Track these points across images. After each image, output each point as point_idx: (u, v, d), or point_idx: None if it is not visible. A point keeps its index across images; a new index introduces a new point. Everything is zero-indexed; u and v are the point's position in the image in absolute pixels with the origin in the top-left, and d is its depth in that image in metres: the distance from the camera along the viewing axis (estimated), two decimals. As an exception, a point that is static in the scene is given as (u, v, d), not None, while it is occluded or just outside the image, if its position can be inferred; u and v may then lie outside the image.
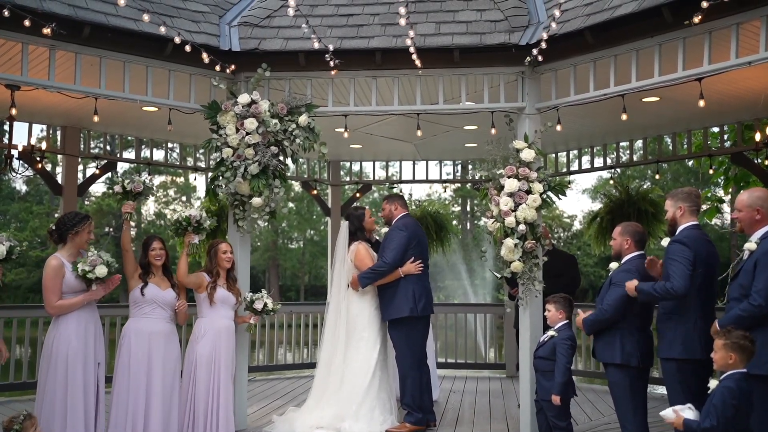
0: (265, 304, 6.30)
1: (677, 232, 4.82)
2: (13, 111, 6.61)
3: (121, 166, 34.67)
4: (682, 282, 4.55)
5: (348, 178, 12.39)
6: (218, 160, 6.34)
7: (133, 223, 5.97)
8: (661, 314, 4.77)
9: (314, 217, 35.58)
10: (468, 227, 37.34)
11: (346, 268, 6.76)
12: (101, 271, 5.25)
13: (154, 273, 5.78)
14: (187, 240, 6.05)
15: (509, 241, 6.12)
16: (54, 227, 5.51)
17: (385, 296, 6.56)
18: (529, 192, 6.15)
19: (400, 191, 11.32)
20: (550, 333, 5.54)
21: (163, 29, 5.62)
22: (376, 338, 6.58)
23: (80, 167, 16.42)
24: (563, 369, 5.35)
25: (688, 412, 3.80)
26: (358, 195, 12.05)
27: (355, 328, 6.61)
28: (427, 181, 11.31)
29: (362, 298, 6.65)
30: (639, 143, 9.57)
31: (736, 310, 4.15)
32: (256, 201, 6.26)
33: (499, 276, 8.01)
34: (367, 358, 6.50)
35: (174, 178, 35.91)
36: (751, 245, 4.31)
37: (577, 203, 53.40)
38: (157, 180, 35.96)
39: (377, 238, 7.28)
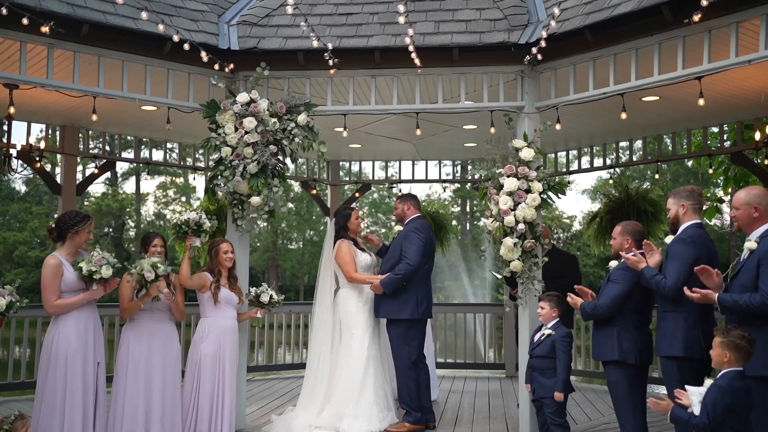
0: (271, 296, 6.38)
1: (680, 231, 4.80)
2: (12, 110, 6.59)
3: (121, 166, 34.88)
4: (674, 283, 4.56)
5: (347, 178, 12.36)
6: (217, 159, 6.34)
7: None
8: (661, 313, 4.76)
9: (314, 217, 35.58)
10: (467, 228, 37.33)
11: (332, 267, 6.78)
12: (107, 272, 5.25)
13: None
14: (189, 243, 6.03)
15: (508, 241, 6.11)
16: (54, 225, 5.50)
17: (387, 295, 6.55)
18: (528, 191, 6.14)
19: (400, 191, 11.33)
20: (546, 331, 5.54)
21: (161, 28, 5.62)
22: (365, 334, 6.58)
23: (79, 167, 16.40)
24: (565, 366, 5.37)
25: (694, 398, 3.78)
26: (357, 195, 12.04)
27: (346, 326, 6.63)
28: (426, 180, 11.31)
29: (351, 295, 6.67)
30: (639, 143, 9.57)
31: (746, 298, 4.09)
32: (255, 200, 6.25)
33: (499, 276, 8.01)
34: (359, 355, 6.50)
35: (173, 178, 35.91)
36: (750, 244, 4.28)
37: (577, 204, 53.47)
38: (157, 180, 36.06)
39: (385, 243, 7.27)
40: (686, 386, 3.88)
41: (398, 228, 7.07)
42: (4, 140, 8.22)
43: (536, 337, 5.67)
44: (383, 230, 34.73)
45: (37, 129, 24.02)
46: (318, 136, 6.47)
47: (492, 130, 6.75)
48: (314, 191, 11.59)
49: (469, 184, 18.38)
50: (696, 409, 3.74)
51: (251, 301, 6.43)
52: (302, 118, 6.34)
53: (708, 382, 3.86)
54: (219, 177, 6.29)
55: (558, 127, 6.54)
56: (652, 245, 4.88)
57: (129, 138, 9.63)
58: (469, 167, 12.50)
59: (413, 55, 5.96)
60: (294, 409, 6.74)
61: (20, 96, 6.75)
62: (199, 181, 30.02)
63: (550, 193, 6.26)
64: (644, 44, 5.78)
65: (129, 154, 10.06)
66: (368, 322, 6.64)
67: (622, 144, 10.22)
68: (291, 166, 8.69)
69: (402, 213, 6.84)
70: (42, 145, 8.21)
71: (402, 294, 6.48)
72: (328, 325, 6.75)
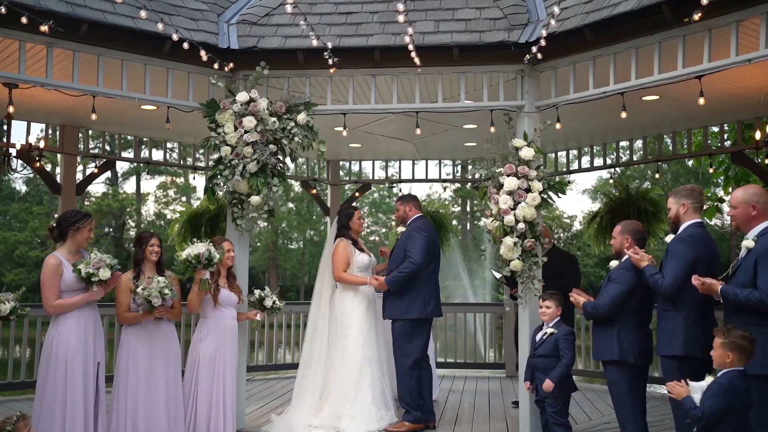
0: (274, 301, 6.39)
1: (680, 230, 4.79)
2: (11, 109, 6.58)
3: (121, 166, 34.90)
4: (671, 282, 4.56)
5: (347, 178, 12.34)
6: (217, 158, 6.33)
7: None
8: (661, 312, 4.76)
9: (314, 217, 35.58)
10: (468, 227, 37.33)
11: (330, 266, 6.81)
12: (105, 274, 5.24)
13: (144, 271, 5.69)
14: (199, 276, 5.89)
15: (508, 240, 6.10)
16: (55, 224, 5.49)
17: (394, 295, 6.55)
18: (528, 190, 6.14)
19: (400, 191, 11.33)
20: (549, 330, 5.52)
21: (161, 27, 5.62)
22: (359, 334, 6.58)
23: (79, 167, 16.39)
24: (568, 362, 5.36)
25: (695, 395, 3.80)
26: (357, 195, 12.03)
27: (341, 325, 6.64)
28: (426, 180, 11.30)
29: (346, 294, 6.69)
30: (639, 143, 9.55)
31: (746, 293, 4.09)
32: (255, 199, 6.24)
33: (498, 276, 8.00)
34: (353, 355, 6.51)
35: (174, 178, 35.91)
36: (748, 243, 4.27)
37: (577, 204, 53.50)
38: (157, 180, 36.06)
39: (386, 246, 7.28)
40: (689, 381, 3.88)
41: (401, 229, 7.08)
42: (4, 140, 8.21)
43: (538, 337, 5.64)
44: (383, 230, 34.73)
45: (37, 128, 24.02)
46: (318, 135, 6.46)
47: (492, 129, 6.74)
48: (314, 191, 11.58)
49: (469, 183, 18.36)
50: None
51: (253, 303, 6.42)
52: (302, 117, 6.33)
53: (709, 378, 3.85)
54: (218, 176, 6.28)
55: (558, 126, 6.53)
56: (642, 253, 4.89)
57: (129, 138, 9.63)
58: (470, 167, 12.49)
59: (413, 54, 5.95)
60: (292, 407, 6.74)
61: (19, 95, 6.74)
62: (199, 181, 29.95)
63: (550, 193, 6.25)
64: (644, 43, 5.77)
65: (129, 153, 10.05)
66: (363, 322, 6.63)
67: (623, 143, 10.20)
68: (291, 165, 8.62)
69: (404, 214, 6.85)
70: (42, 144, 8.21)
71: (408, 293, 6.49)
72: (324, 323, 6.75)
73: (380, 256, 7.36)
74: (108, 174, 33.52)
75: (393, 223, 7.65)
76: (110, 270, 5.28)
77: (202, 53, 5.80)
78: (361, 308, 6.67)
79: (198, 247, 5.77)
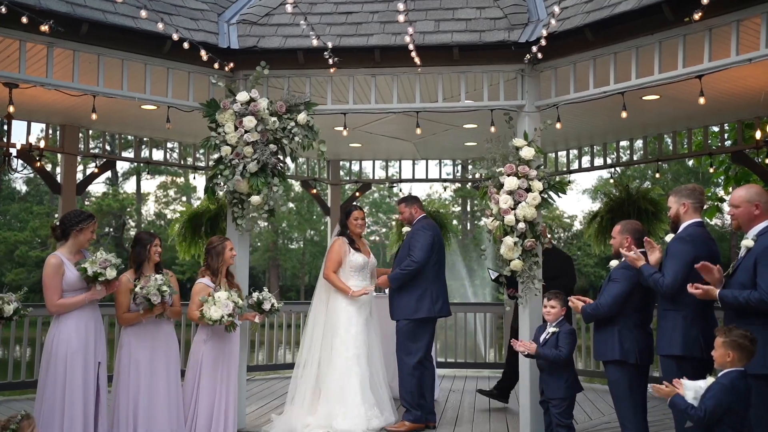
0: (273, 304, 6.33)
1: (680, 229, 4.79)
2: (11, 109, 6.59)
3: (121, 166, 34.90)
4: (672, 281, 4.55)
5: (348, 178, 12.35)
6: (217, 158, 6.33)
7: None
8: (661, 311, 4.75)
9: (314, 217, 35.58)
10: (468, 227, 37.33)
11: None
12: (111, 273, 5.25)
13: (144, 272, 5.66)
14: (227, 324, 5.82)
15: (509, 240, 6.10)
16: (58, 223, 5.50)
17: (400, 295, 6.56)
18: (528, 190, 6.13)
19: (400, 190, 11.34)
20: (551, 329, 5.51)
21: (161, 27, 5.62)
22: (347, 334, 6.57)
23: (80, 167, 16.39)
24: (564, 355, 5.32)
25: (689, 393, 3.81)
26: (357, 194, 12.03)
27: (332, 324, 6.65)
28: (427, 180, 11.30)
29: (338, 293, 6.68)
30: (639, 143, 9.56)
31: (745, 294, 4.08)
32: (255, 199, 6.24)
33: (492, 278, 7.99)
34: (339, 354, 6.51)
35: (174, 178, 35.91)
36: (748, 242, 4.27)
37: (578, 203, 53.48)
38: (158, 180, 36.05)
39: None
40: (683, 380, 3.88)
41: (406, 229, 7.12)
42: (5, 140, 8.21)
43: (542, 337, 5.62)
44: (384, 230, 34.73)
45: (37, 128, 24.05)
46: (318, 135, 6.46)
47: (492, 129, 6.74)
48: (314, 191, 11.58)
49: (469, 183, 18.38)
50: (693, 403, 3.75)
51: (251, 305, 6.39)
52: (302, 117, 6.33)
53: (710, 378, 3.85)
54: (219, 176, 6.28)
55: (558, 126, 6.53)
56: (653, 243, 4.87)
57: (129, 137, 9.63)
58: (470, 166, 12.50)
59: (413, 53, 5.94)
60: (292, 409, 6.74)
61: (20, 95, 6.74)
62: (199, 181, 30.05)
63: (550, 192, 6.25)
64: (645, 43, 5.77)
65: (129, 153, 10.05)
66: (352, 322, 6.62)
67: (623, 143, 10.22)
68: (291, 165, 8.62)
69: (410, 216, 6.89)
70: (42, 144, 8.21)
71: (415, 292, 6.50)
72: (320, 322, 6.76)
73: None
74: (108, 174, 33.55)
75: (394, 223, 7.66)
76: (116, 269, 5.29)
77: (203, 53, 5.79)
78: (350, 309, 6.65)
79: (226, 306, 5.70)
